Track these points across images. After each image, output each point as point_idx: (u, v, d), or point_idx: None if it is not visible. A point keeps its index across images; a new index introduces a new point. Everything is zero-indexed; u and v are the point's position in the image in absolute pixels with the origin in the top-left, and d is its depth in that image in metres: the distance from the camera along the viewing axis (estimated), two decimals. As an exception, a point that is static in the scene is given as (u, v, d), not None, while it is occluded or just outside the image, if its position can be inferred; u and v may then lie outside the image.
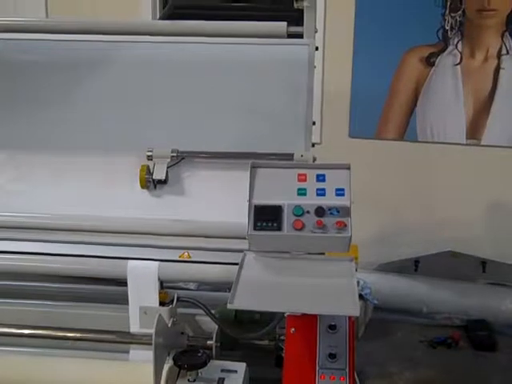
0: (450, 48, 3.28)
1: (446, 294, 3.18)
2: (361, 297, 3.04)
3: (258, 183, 1.92)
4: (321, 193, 1.91)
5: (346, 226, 1.86)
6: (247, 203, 1.89)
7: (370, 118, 3.37)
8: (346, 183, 1.91)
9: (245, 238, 1.88)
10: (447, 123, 3.32)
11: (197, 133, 2.28)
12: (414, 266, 3.32)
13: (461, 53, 3.27)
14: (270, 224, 1.87)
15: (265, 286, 1.81)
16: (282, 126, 2.26)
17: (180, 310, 2.10)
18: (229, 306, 1.66)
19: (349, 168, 1.92)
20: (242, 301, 1.68)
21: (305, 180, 1.93)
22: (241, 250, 1.92)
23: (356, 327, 1.96)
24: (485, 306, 3.11)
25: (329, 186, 1.91)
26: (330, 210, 1.87)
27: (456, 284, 3.21)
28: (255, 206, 1.89)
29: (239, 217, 1.88)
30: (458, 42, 3.26)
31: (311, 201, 1.89)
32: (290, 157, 2.21)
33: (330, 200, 1.89)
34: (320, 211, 1.87)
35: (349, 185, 1.90)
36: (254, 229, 1.87)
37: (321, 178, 1.93)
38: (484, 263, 3.21)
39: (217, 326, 2.09)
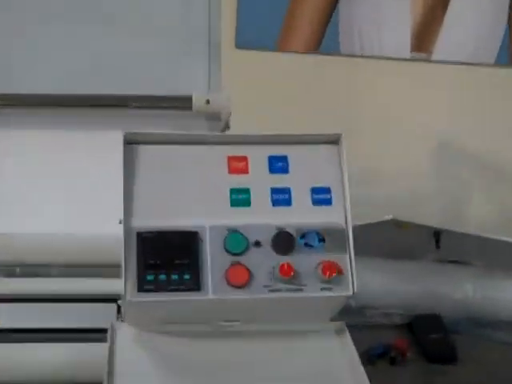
0: None
1: (381, 280, 2.34)
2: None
3: (142, 180, 0.88)
4: (280, 198, 0.90)
5: (341, 272, 0.87)
6: (120, 226, 0.86)
7: (268, 21, 2.49)
8: (333, 175, 0.92)
9: (110, 266, 0.94)
10: (384, 30, 2.55)
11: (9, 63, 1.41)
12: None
13: None
14: (174, 278, 0.85)
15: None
16: (167, 44, 1.46)
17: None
18: None
19: (338, 142, 0.96)
20: None
21: (245, 170, 0.91)
22: (106, 298, 1.05)
23: None
24: (436, 294, 2.32)
25: (296, 181, 0.91)
26: (303, 236, 0.88)
27: (396, 265, 2.38)
28: (139, 235, 0.86)
29: (87, 225, 1.12)
30: None
31: (262, 218, 0.88)
32: (186, 102, 1.23)
33: (301, 214, 0.89)
34: (284, 241, 0.87)
35: (341, 179, 0.92)
36: (140, 289, 0.84)
37: (278, 166, 0.93)
38: (438, 234, 2.47)
39: None
